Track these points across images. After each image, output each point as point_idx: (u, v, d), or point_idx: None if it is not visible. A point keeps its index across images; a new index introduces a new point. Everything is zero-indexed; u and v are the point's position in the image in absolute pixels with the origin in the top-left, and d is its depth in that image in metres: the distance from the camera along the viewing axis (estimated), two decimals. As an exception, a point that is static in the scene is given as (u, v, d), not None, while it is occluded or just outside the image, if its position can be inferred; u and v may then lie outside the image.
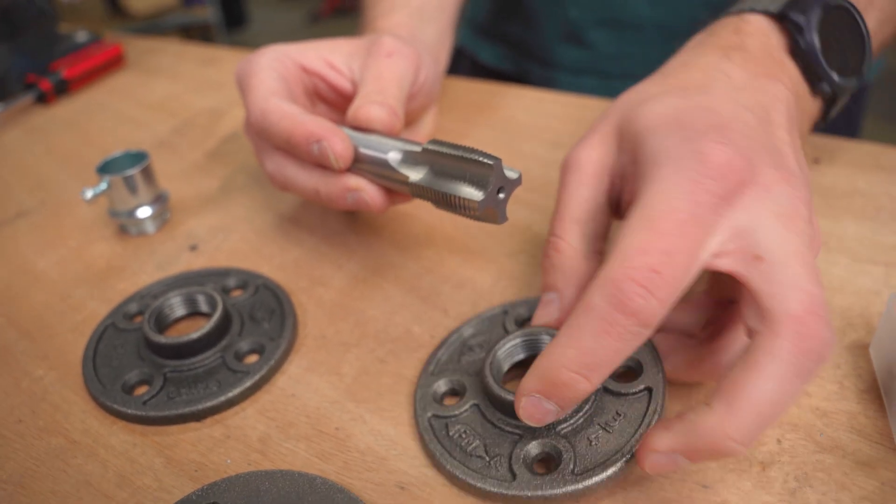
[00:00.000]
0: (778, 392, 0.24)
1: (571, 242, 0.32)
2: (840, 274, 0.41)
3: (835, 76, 0.37)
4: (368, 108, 0.38)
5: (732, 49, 0.36)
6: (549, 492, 0.27)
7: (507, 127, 0.60)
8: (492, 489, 0.27)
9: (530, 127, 0.60)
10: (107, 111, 0.69)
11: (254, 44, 0.72)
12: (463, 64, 0.90)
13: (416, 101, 0.45)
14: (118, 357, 0.35)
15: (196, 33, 3.47)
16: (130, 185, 0.44)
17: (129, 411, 0.32)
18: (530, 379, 0.27)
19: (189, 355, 0.34)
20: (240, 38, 3.82)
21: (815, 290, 0.25)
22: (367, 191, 0.37)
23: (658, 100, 0.32)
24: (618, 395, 0.30)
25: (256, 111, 0.39)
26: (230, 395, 0.32)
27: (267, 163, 0.41)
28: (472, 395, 0.31)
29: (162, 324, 0.37)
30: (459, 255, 0.43)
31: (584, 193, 0.33)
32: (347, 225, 0.47)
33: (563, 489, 0.27)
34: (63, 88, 0.73)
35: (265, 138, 0.40)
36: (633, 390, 0.30)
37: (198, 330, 0.34)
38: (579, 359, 0.26)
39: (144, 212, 0.45)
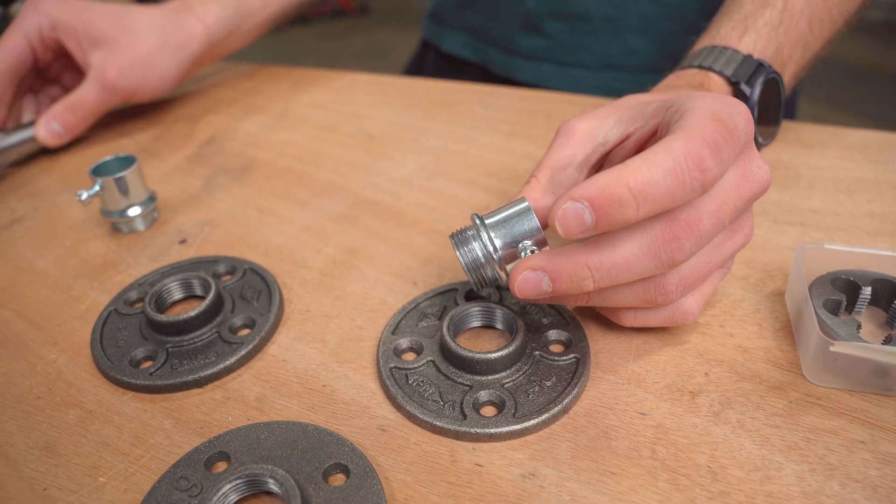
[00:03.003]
0: (666, 176, 0.28)
1: (541, 179, 0.37)
2: (763, 234, 0.46)
3: (759, 140, 0.47)
4: None
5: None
6: (493, 430, 0.32)
7: (466, 121, 0.65)
8: (446, 426, 0.32)
9: (487, 119, 0.65)
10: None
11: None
12: (428, 55, 0.95)
13: None
14: (123, 338, 0.39)
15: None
16: (122, 186, 0.48)
17: (138, 382, 0.36)
18: (587, 186, 0.28)
19: (188, 331, 0.38)
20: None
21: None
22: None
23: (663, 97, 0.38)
24: (552, 362, 0.36)
25: None
26: (228, 363, 0.37)
27: None
28: (429, 353, 0.37)
29: (161, 306, 0.40)
30: (425, 235, 0.48)
31: (566, 150, 0.38)
32: (324, 215, 0.51)
33: (506, 428, 0.32)
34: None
35: None
36: (565, 358, 0.36)
37: (195, 308, 0.38)
38: (643, 186, 0.27)
39: (135, 210, 0.49)
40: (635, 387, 0.35)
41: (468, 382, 0.35)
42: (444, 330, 0.36)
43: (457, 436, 0.32)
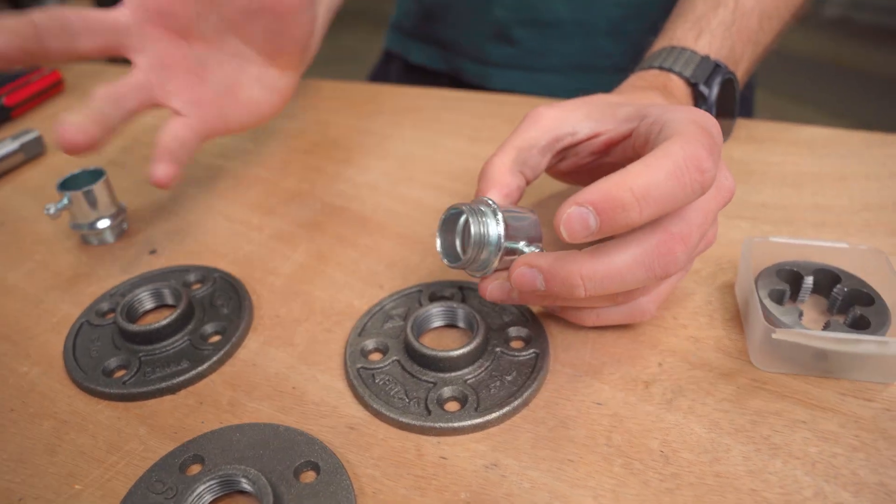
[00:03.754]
0: (663, 182, 0.29)
1: (504, 160, 0.38)
2: (714, 229, 0.48)
3: None
4: None
5: (668, 96, 0.45)
6: (457, 423, 0.34)
7: (432, 126, 0.66)
8: (412, 422, 0.34)
9: (453, 124, 0.66)
10: (53, 135, 0.72)
11: None
12: (394, 66, 0.94)
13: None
14: (96, 349, 0.40)
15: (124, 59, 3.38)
16: (90, 199, 0.49)
17: (112, 391, 0.37)
18: (590, 191, 0.29)
19: (160, 340, 0.39)
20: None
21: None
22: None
23: (631, 102, 0.40)
24: (513, 357, 0.37)
25: None
26: (199, 369, 0.38)
27: None
28: (394, 352, 0.38)
29: (133, 316, 0.41)
30: (391, 239, 0.49)
31: (531, 133, 0.39)
32: (292, 222, 0.52)
33: (469, 422, 0.34)
34: (5, 116, 0.75)
35: None
36: (525, 353, 0.37)
37: (166, 318, 0.39)
38: (645, 189, 0.28)
39: (104, 223, 0.50)
40: (592, 378, 0.37)
41: (432, 380, 0.36)
42: (408, 330, 0.37)
43: (422, 431, 0.34)
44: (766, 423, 0.34)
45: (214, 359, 0.38)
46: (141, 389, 0.37)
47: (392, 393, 0.36)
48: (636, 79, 0.48)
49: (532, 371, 0.36)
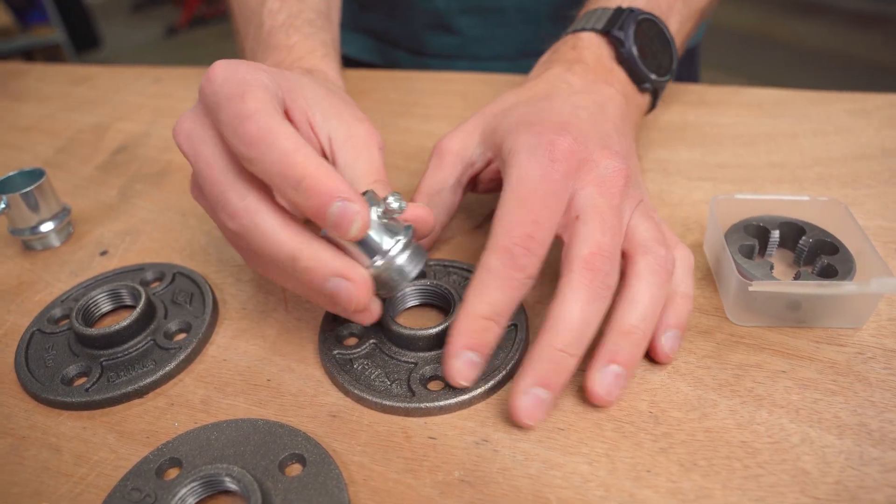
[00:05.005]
0: (580, 312, 0.31)
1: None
2: (678, 192, 0.49)
3: (653, 76, 0.46)
4: (419, 210, 0.36)
5: (573, 62, 0.44)
6: (443, 402, 0.33)
7: (381, 107, 0.65)
8: (396, 404, 0.33)
9: (402, 104, 0.65)
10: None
11: (111, 65, 0.72)
12: None
13: None
14: (51, 357, 0.37)
15: (41, 57, 3.23)
16: (30, 201, 0.46)
17: (74, 400, 0.34)
18: (455, 337, 0.32)
19: (121, 342, 0.37)
20: (93, 59, 3.61)
21: (603, 239, 0.33)
22: (359, 284, 0.31)
23: (514, 108, 0.40)
24: None
25: (260, 128, 0.29)
26: (167, 369, 0.36)
27: (234, 198, 0.31)
28: (370, 336, 0.37)
29: (89, 320, 0.39)
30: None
31: (440, 174, 0.41)
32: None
33: (454, 399, 0.33)
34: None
35: (254, 164, 0.30)
36: None
37: (126, 318, 0.37)
38: (490, 308, 0.32)
39: (48, 226, 0.47)
40: (575, 346, 0.36)
41: (412, 360, 0.35)
42: (384, 312, 0.36)
43: (407, 412, 0.33)
44: (749, 376, 0.34)
45: (182, 357, 0.36)
46: (106, 395, 0.34)
47: (372, 377, 0.34)
48: (549, 53, 0.47)
49: (513, 343, 0.36)
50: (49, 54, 3.23)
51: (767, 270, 0.37)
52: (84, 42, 3.55)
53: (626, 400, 0.33)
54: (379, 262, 0.32)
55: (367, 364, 0.35)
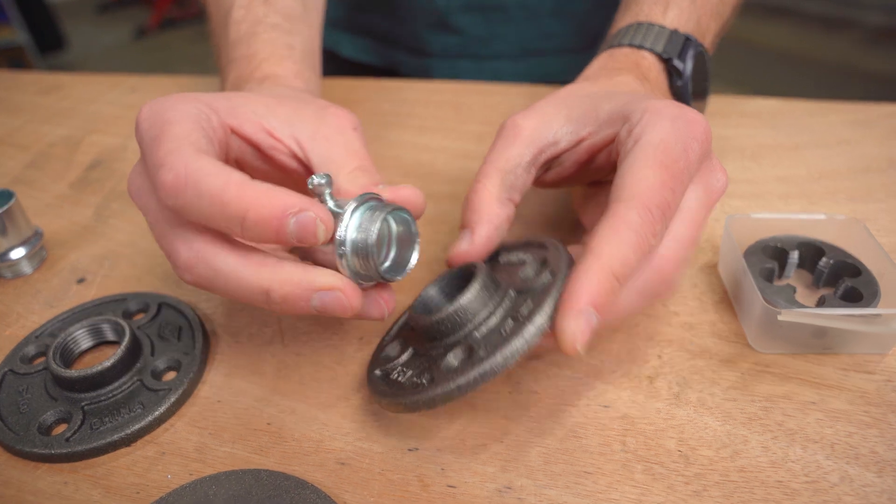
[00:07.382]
0: (636, 247, 0.29)
1: (490, 188, 0.35)
2: (686, 208, 0.47)
3: (692, 104, 0.46)
4: (405, 191, 0.34)
5: (642, 79, 0.43)
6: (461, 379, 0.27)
7: (374, 118, 0.62)
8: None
9: (396, 115, 0.63)
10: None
11: (79, 68, 0.67)
12: (324, 62, 0.89)
13: None
14: (26, 402, 0.34)
15: (2, 60, 3.13)
16: (-1, 226, 0.42)
17: (52, 451, 0.31)
18: (580, 291, 0.27)
19: (105, 384, 0.34)
20: (58, 61, 3.50)
21: (688, 233, 0.31)
22: (343, 288, 0.29)
23: (613, 92, 0.37)
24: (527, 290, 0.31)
25: (177, 174, 0.27)
26: (156, 413, 0.33)
27: (182, 249, 0.29)
28: (410, 344, 0.33)
29: (68, 359, 0.36)
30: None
31: (513, 151, 0.36)
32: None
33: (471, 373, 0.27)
34: None
35: (185, 212, 0.28)
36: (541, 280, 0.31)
37: (110, 357, 0.34)
38: (623, 269, 0.28)
39: (18, 252, 0.44)
40: (594, 379, 0.35)
41: (441, 349, 0.30)
42: (419, 306, 0.33)
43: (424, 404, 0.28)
44: (778, 409, 0.32)
45: (172, 399, 0.33)
46: (89, 445, 0.31)
47: (405, 379, 0.30)
48: (607, 58, 0.45)
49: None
50: (11, 57, 3.12)
51: (791, 295, 0.36)
52: (48, 43, 3.44)
53: (653, 438, 0.31)
54: (344, 248, 0.30)
55: (403, 370, 0.31)
